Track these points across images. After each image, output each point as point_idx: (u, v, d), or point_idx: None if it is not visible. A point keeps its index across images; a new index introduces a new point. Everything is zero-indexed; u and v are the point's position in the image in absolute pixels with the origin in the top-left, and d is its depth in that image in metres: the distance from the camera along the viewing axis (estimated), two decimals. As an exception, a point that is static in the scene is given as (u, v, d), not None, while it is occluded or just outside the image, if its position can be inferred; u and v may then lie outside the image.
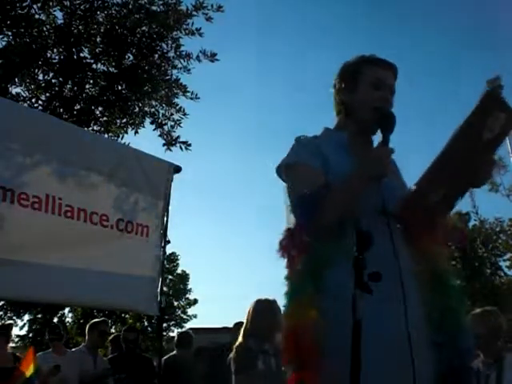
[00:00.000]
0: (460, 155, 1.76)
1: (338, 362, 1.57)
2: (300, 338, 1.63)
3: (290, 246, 1.78)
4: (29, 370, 3.98)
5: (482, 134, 1.74)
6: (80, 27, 6.76)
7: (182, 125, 7.15)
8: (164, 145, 7.04)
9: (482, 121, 1.72)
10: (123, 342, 5.48)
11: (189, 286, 27.71)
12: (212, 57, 6.96)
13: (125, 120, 7.23)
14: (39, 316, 21.37)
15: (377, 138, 1.95)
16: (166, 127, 7.13)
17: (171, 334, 26.90)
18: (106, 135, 7.02)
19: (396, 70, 1.97)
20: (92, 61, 7.00)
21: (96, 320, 5.74)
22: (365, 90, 1.92)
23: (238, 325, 5.70)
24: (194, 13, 6.80)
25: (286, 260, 1.80)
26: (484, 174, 1.85)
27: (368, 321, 1.48)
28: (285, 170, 1.90)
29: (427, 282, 1.81)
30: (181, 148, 6.97)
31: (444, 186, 1.83)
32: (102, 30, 6.85)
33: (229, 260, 45.03)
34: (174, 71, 7.07)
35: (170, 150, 7.00)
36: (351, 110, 1.96)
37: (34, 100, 6.85)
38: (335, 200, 1.71)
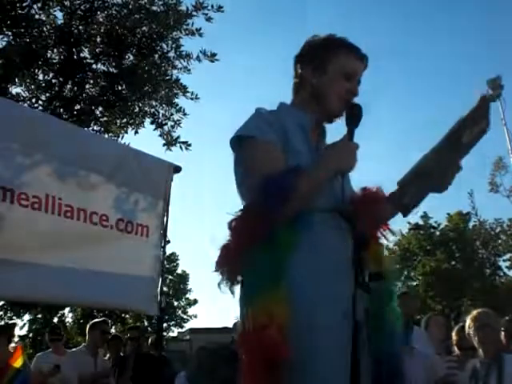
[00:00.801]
0: (441, 157, 1.75)
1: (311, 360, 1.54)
2: (272, 335, 1.50)
3: (244, 231, 1.64)
4: (17, 363, 4.04)
5: (461, 138, 1.72)
6: (80, 27, 6.75)
7: (181, 125, 7.16)
8: (164, 145, 7.04)
9: (470, 124, 1.70)
10: (127, 340, 5.52)
11: (189, 286, 27.74)
12: (212, 57, 6.95)
13: (125, 120, 7.22)
14: (39, 316, 21.36)
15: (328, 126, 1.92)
16: (166, 127, 7.13)
17: (171, 334, 26.98)
18: (105, 135, 7.01)
19: (367, 61, 1.90)
20: (92, 61, 7.00)
21: (96, 320, 5.75)
22: (335, 78, 1.83)
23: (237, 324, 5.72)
24: (194, 13, 6.79)
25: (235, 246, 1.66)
26: (450, 179, 1.82)
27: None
28: (243, 143, 1.75)
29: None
30: (181, 148, 6.97)
31: (417, 189, 1.82)
32: (102, 30, 6.85)
33: (229, 260, 44.86)
34: (174, 71, 7.07)
35: (170, 149, 7.00)
36: (318, 93, 1.85)
37: (34, 100, 6.84)
38: (304, 188, 1.62)
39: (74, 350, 5.55)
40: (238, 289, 1.72)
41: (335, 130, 1.91)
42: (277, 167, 1.64)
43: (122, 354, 5.96)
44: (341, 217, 1.72)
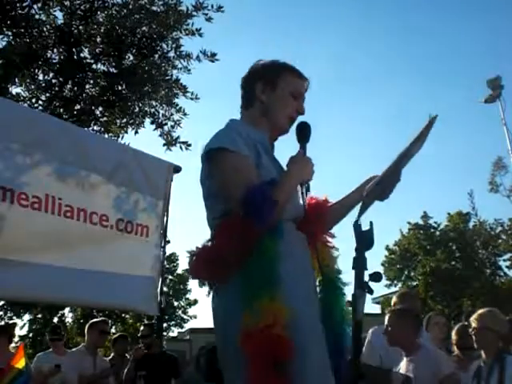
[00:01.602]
0: (396, 169, 1.89)
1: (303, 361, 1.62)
2: (274, 341, 1.58)
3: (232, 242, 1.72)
4: (20, 363, 4.02)
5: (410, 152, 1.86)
6: (80, 27, 6.75)
7: (181, 125, 7.14)
8: (164, 145, 7.04)
9: (420, 143, 1.83)
10: (140, 337, 5.51)
11: (189, 287, 27.71)
12: (212, 57, 6.94)
13: (125, 120, 7.22)
14: (39, 316, 21.37)
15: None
16: (166, 127, 7.12)
17: (171, 334, 26.97)
18: (106, 135, 7.01)
19: (309, 84, 2.06)
20: (92, 61, 6.99)
21: (96, 320, 5.69)
22: (284, 96, 1.98)
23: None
24: (194, 13, 6.78)
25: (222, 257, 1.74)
26: (392, 189, 1.94)
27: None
28: (219, 155, 1.82)
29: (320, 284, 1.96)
30: (181, 148, 6.96)
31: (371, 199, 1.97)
32: (102, 30, 6.84)
33: (229, 260, 44.86)
34: (174, 71, 7.06)
35: (170, 149, 6.99)
36: (268, 111, 1.98)
37: (34, 100, 6.83)
38: (282, 199, 1.75)
39: (73, 350, 5.50)
40: (219, 294, 1.81)
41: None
42: (254, 180, 1.76)
43: (126, 355, 5.96)
44: (295, 223, 1.88)
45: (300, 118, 2.03)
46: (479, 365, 3.24)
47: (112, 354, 6.00)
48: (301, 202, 1.90)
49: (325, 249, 2.00)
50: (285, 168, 1.93)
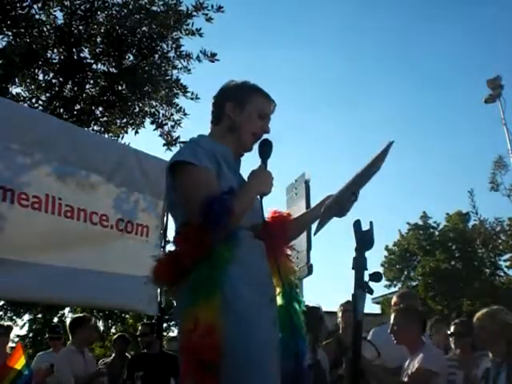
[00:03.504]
0: (353, 188, 2.03)
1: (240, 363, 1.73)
2: (206, 341, 1.68)
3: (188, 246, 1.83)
4: (19, 364, 4.00)
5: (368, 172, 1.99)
6: (80, 27, 6.75)
7: (182, 125, 7.17)
8: (164, 145, 7.05)
9: (378, 165, 1.96)
10: (139, 336, 5.48)
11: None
12: (212, 57, 6.95)
13: (125, 120, 7.23)
14: (39, 316, 21.36)
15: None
16: (166, 127, 7.14)
17: (171, 334, 26.94)
18: (106, 135, 7.02)
19: (275, 106, 2.20)
20: (92, 61, 7.00)
21: (80, 315, 5.45)
22: (251, 116, 2.12)
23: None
24: (194, 13, 6.79)
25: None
26: (349, 207, 2.11)
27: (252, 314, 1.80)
28: (182, 168, 1.94)
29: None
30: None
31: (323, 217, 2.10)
32: (102, 30, 6.85)
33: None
34: (174, 71, 7.08)
35: (170, 149, 7.01)
36: (235, 127, 2.12)
37: (34, 100, 6.85)
38: (238, 209, 1.85)
39: (63, 349, 5.16)
40: (176, 298, 1.96)
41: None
42: (214, 191, 1.87)
43: (127, 355, 5.96)
44: (254, 232, 1.98)
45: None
46: (487, 366, 3.23)
47: (113, 355, 6.01)
48: (259, 211, 2.01)
49: (286, 261, 2.11)
50: (246, 180, 2.06)
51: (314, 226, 2.21)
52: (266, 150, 2.08)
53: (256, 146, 2.13)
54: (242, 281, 1.82)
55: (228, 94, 2.16)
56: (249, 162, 2.23)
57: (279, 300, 2.04)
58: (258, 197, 2.00)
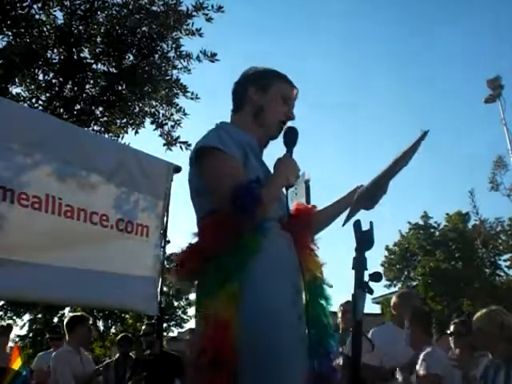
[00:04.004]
0: (383, 181, 1.97)
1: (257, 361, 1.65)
2: (222, 337, 1.62)
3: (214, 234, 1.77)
4: (16, 365, 4.03)
5: (399, 164, 1.92)
6: (80, 27, 6.75)
7: (182, 125, 7.15)
8: (164, 145, 7.04)
9: (411, 154, 1.88)
10: (141, 336, 5.48)
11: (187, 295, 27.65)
12: (212, 57, 6.94)
13: (125, 120, 7.21)
14: (39, 316, 21.36)
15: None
16: (166, 127, 7.12)
17: (171, 334, 26.95)
18: (106, 135, 7.01)
19: (298, 93, 2.13)
20: (92, 61, 6.99)
21: (77, 314, 5.43)
22: (275, 100, 2.05)
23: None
24: (194, 13, 6.78)
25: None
26: (378, 200, 2.04)
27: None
28: (208, 154, 1.87)
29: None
30: (181, 148, 6.97)
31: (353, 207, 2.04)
32: (102, 30, 6.84)
33: (229, 260, 44.89)
34: (174, 71, 7.06)
35: (170, 149, 7.00)
36: (259, 112, 2.05)
37: (34, 100, 6.83)
38: (266, 199, 1.79)
39: (60, 349, 5.08)
40: (197, 291, 1.87)
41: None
42: (241, 180, 1.80)
43: (131, 355, 5.98)
44: (281, 224, 1.92)
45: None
46: (486, 365, 3.22)
47: (117, 355, 6.03)
48: (285, 203, 1.94)
49: (311, 255, 2.03)
50: (271, 170, 1.98)
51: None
52: (291, 137, 2.00)
53: (280, 135, 2.04)
54: (268, 273, 1.76)
55: (250, 79, 2.09)
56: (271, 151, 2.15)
57: (304, 295, 1.92)
58: (283, 188, 1.92)
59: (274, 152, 2.10)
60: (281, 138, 2.04)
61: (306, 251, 1.99)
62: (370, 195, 2.00)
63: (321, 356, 1.86)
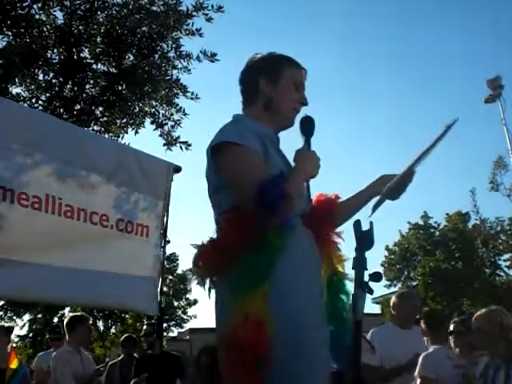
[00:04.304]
0: (412, 168, 1.93)
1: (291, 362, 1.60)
2: (253, 336, 1.57)
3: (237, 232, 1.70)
4: (14, 364, 4.07)
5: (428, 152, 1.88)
6: (80, 27, 6.75)
7: (182, 125, 7.16)
8: (164, 145, 7.04)
9: (439, 143, 1.85)
10: (142, 336, 5.48)
11: (189, 287, 27.70)
12: (212, 57, 6.95)
13: (125, 120, 7.22)
14: (39, 316, 21.38)
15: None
16: (166, 127, 7.13)
17: (171, 334, 26.96)
18: (106, 135, 7.01)
19: (306, 73, 2.04)
20: (92, 61, 6.99)
21: (77, 314, 5.39)
22: (287, 88, 1.96)
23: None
24: (194, 13, 6.79)
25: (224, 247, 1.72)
26: (405, 190, 1.99)
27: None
28: (228, 149, 1.78)
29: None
30: (181, 148, 6.97)
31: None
32: (102, 30, 6.84)
33: (229, 260, 44.83)
34: (174, 71, 7.06)
35: (170, 149, 7.00)
36: (271, 103, 1.96)
37: (34, 100, 6.84)
38: (291, 194, 1.70)
39: (60, 349, 5.04)
40: (217, 289, 1.79)
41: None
42: (263, 175, 1.71)
43: (135, 355, 5.99)
44: (302, 218, 1.84)
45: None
46: (486, 364, 3.22)
47: (122, 355, 6.06)
48: (306, 196, 1.86)
49: (333, 249, 1.96)
50: (292, 162, 1.89)
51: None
52: (308, 127, 1.91)
53: (297, 124, 1.95)
54: (293, 271, 1.69)
55: (258, 69, 1.99)
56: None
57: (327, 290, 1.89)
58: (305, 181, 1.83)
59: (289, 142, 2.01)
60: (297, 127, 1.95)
61: (328, 245, 1.93)
62: (398, 185, 1.94)
63: (342, 352, 1.80)
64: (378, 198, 2.00)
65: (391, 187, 1.93)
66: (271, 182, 1.67)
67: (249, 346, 1.54)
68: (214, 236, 1.79)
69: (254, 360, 1.54)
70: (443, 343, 3.70)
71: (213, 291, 1.81)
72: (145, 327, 5.78)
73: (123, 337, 6.58)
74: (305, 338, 1.64)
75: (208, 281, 1.78)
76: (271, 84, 1.95)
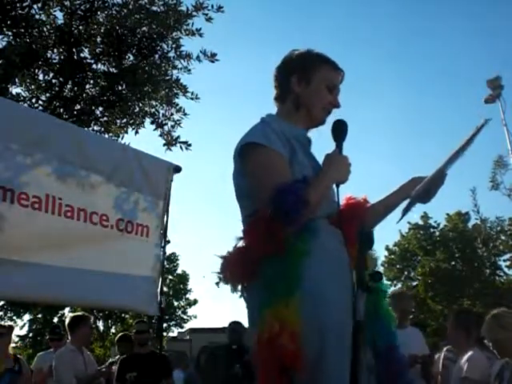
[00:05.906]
0: (443, 170, 1.89)
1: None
2: (285, 345, 1.53)
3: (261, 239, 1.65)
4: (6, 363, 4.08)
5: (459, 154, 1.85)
6: (80, 27, 6.75)
7: (182, 125, 7.17)
8: (164, 145, 7.05)
9: (471, 143, 1.83)
10: (134, 334, 5.45)
11: (189, 287, 27.75)
12: (212, 57, 6.96)
13: (125, 120, 7.22)
14: (39, 316, 21.39)
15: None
16: (166, 127, 7.14)
17: (171, 334, 26.98)
18: (106, 135, 7.01)
19: (344, 76, 2.00)
20: (92, 61, 6.99)
21: (78, 314, 5.38)
22: (319, 89, 1.93)
23: (233, 324, 5.72)
24: (194, 13, 6.80)
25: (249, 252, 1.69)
26: (436, 192, 1.94)
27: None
28: (253, 150, 1.77)
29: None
30: (181, 148, 6.98)
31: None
32: (102, 30, 6.84)
33: (229, 260, 44.82)
34: (175, 71, 7.07)
35: (170, 149, 7.01)
36: (303, 103, 1.94)
37: (34, 100, 6.84)
38: (314, 198, 1.68)
39: (62, 349, 4.99)
40: (247, 294, 1.77)
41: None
42: (286, 178, 1.69)
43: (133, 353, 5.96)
44: (330, 221, 1.81)
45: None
46: (502, 364, 3.21)
47: (118, 355, 6.03)
48: (335, 199, 1.80)
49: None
50: (321, 164, 1.86)
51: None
52: (340, 131, 1.84)
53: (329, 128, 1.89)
54: (323, 275, 1.65)
55: (291, 67, 1.95)
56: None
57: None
58: (334, 185, 1.78)
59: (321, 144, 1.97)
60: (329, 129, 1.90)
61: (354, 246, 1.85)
62: (428, 188, 1.89)
63: (386, 352, 1.79)
64: (407, 201, 1.95)
65: (420, 190, 1.89)
66: (290, 187, 1.65)
67: (278, 358, 1.52)
68: (239, 242, 1.77)
69: (286, 371, 1.53)
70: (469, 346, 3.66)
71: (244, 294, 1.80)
72: (137, 325, 5.71)
73: (118, 336, 6.55)
74: (328, 340, 1.61)
75: (240, 287, 1.77)
76: (303, 83, 1.93)
